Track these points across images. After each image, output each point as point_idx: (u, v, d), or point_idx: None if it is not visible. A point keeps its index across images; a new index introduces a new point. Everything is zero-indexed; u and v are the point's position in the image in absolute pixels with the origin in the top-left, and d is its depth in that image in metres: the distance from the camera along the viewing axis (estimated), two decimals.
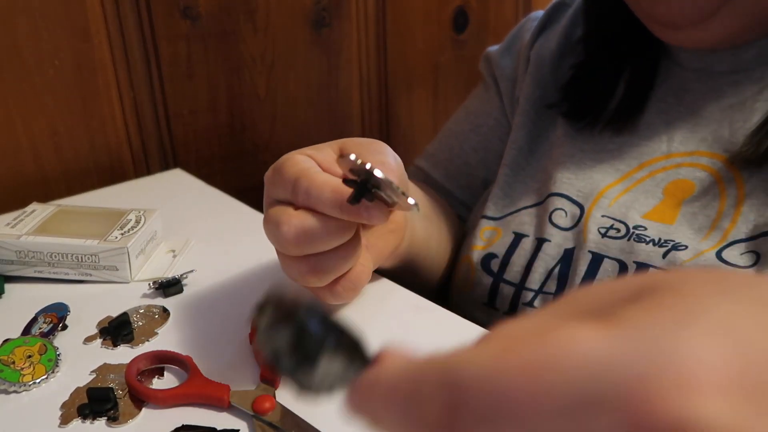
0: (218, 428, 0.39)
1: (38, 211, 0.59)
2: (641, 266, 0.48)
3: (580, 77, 0.59)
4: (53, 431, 0.40)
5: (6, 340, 0.46)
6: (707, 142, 0.50)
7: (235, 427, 0.39)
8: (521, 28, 0.70)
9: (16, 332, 0.48)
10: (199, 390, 0.41)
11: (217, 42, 0.85)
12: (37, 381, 0.43)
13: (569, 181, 0.56)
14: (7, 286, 0.54)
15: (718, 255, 0.46)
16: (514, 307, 0.54)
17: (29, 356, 0.44)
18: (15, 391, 0.43)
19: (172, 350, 0.45)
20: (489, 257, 0.57)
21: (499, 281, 0.55)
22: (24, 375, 0.43)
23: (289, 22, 0.90)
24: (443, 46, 1.06)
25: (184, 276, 0.54)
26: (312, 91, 0.96)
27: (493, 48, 0.72)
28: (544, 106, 0.61)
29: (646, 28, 0.52)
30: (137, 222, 0.57)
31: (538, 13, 0.69)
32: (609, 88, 0.56)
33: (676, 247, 0.48)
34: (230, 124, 0.90)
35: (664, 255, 0.48)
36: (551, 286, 0.53)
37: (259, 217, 0.66)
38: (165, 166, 0.86)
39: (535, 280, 0.53)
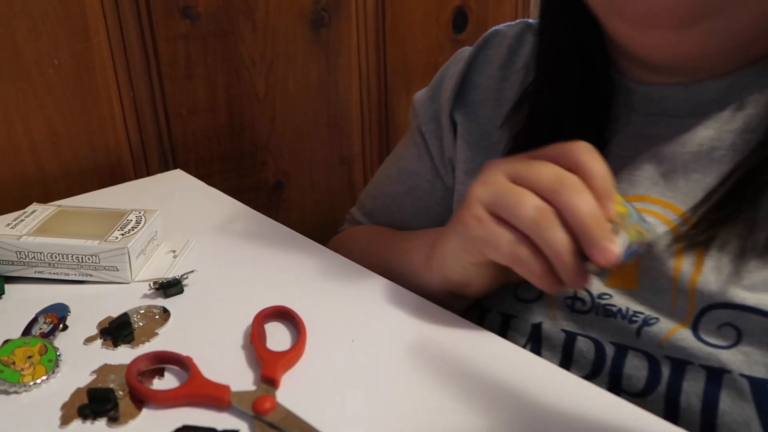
0: (218, 429, 0.39)
1: (38, 212, 0.59)
2: (620, 348, 0.45)
3: (528, 141, 0.52)
4: (54, 431, 0.40)
5: (6, 341, 0.46)
6: (662, 193, 0.46)
7: (236, 428, 0.39)
8: (444, 73, 0.64)
9: (16, 333, 0.48)
10: (199, 390, 0.41)
11: (216, 42, 0.85)
12: (38, 381, 0.43)
13: None
14: (8, 287, 0.54)
15: (695, 331, 0.42)
16: None
17: (29, 357, 0.44)
18: (15, 392, 0.43)
19: (172, 351, 0.45)
20: None
21: None
22: (24, 375, 0.43)
23: (288, 22, 0.90)
24: (442, 46, 1.07)
25: (185, 276, 0.54)
26: (311, 90, 0.96)
27: (419, 94, 0.66)
28: None
29: (599, 77, 0.49)
30: (137, 222, 0.57)
31: (465, 51, 0.63)
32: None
33: (647, 321, 0.44)
34: (229, 124, 0.90)
35: (638, 333, 0.44)
36: None
37: (258, 217, 0.67)
38: (165, 167, 0.86)
39: None
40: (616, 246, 0.39)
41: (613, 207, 0.40)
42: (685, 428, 0.38)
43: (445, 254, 0.48)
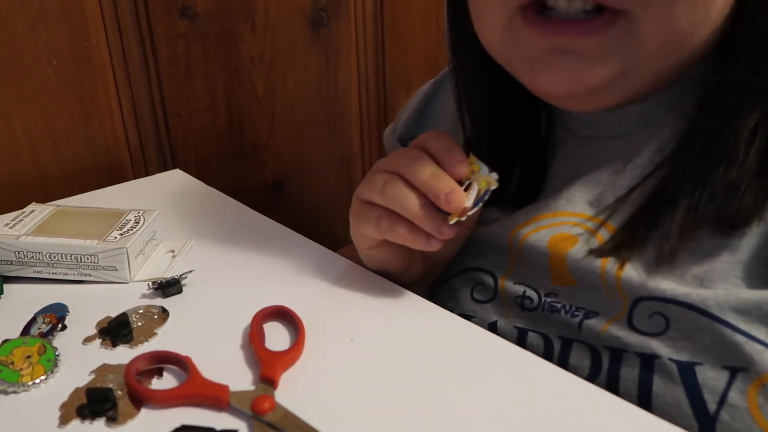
0: (217, 428, 0.39)
1: (37, 212, 0.59)
2: (565, 341, 0.48)
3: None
4: (52, 431, 0.40)
5: (5, 341, 0.46)
6: (593, 206, 0.50)
7: (234, 428, 0.39)
8: (405, 107, 0.70)
9: (15, 333, 0.48)
10: (198, 390, 0.41)
11: (216, 42, 0.85)
12: (36, 381, 0.43)
13: (482, 254, 0.55)
14: (6, 287, 0.54)
15: (629, 322, 0.45)
16: None
17: (28, 357, 0.44)
18: (14, 392, 0.42)
19: (171, 351, 0.45)
20: None
21: None
22: (23, 375, 0.43)
23: (287, 22, 0.90)
24: (441, 46, 1.07)
25: (184, 276, 0.54)
26: (310, 90, 0.96)
27: (387, 128, 0.72)
28: None
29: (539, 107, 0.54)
30: (136, 222, 0.57)
31: (426, 86, 0.69)
32: (506, 176, 0.54)
33: (587, 315, 0.47)
34: (229, 124, 0.90)
35: (579, 326, 0.48)
36: None
37: (257, 217, 0.67)
38: (164, 167, 0.86)
39: None
40: (462, 194, 0.47)
41: (461, 167, 0.48)
42: None
43: (357, 249, 0.55)
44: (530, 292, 0.51)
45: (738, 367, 0.40)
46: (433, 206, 0.48)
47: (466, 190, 0.48)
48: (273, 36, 0.89)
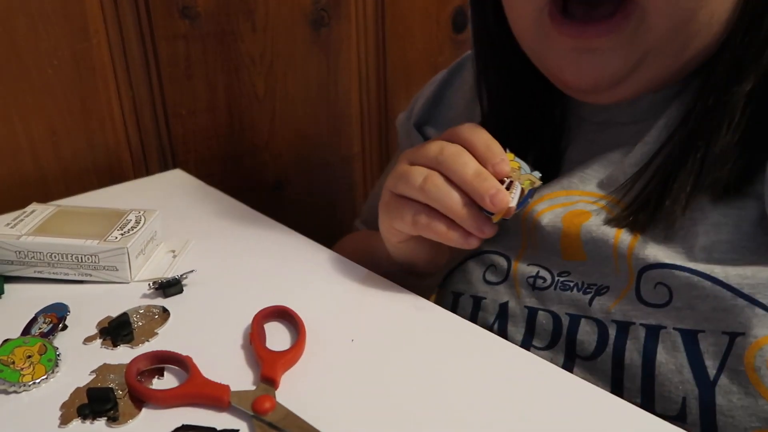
0: (218, 428, 0.39)
1: (38, 212, 0.59)
2: (573, 317, 0.49)
3: None
4: (53, 431, 0.40)
5: (6, 340, 0.46)
6: (605, 186, 0.52)
7: (235, 428, 0.39)
8: (419, 94, 0.70)
9: (15, 332, 0.48)
10: (199, 390, 0.42)
11: (216, 42, 0.85)
12: (37, 381, 0.43)
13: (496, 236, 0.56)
14: (7, 287, 0.54)
15: (637, 294, 0.47)
16: None
17: (29, 356, 0.44)
18: (15, 391, 0.43)
19: (172, 350, 0.45)
20: None
21: None
22: (24, 375, 0.43)
23: (288, 22, 0.90)
24: (442, 47, 1.07)
25: (184, 276, 0.54)
26: (311, 91, 0.96)
27: (400, 115, 0.72)
28: None
29: (554, 94, 0.55)
30: (137, 222, 0.57)
31: (440, 74, 0.69)
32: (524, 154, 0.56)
33: (599, 291, 0.49)
34: (229, 124, 0.90)
35: (590, 302, 0.49)
36: None
37: (258, 217, 0.67)
38: (164, 167, 0.86)
39: None
40: (507, 195, 0.47)
41: (504, 166, 0.48)
42: (629, 382, 0.45)
43: (384, 241, 0.56)
44: (543, 272, 0.52)
45: (737, 332, 0.42)
46: (475, 205, 0.48)
47: (507, 188, 0.48)
48: (273, 36, 0.89)
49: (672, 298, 0.45)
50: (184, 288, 0.53)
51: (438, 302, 0.59)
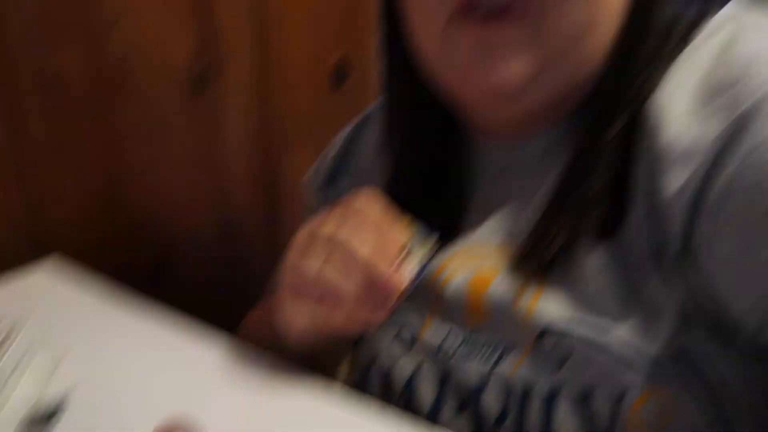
0: None
1: None
2: (475, 390, 0.51)
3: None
4: None
5: None
6: (507, 238, 0.52)
7: None
8: (326, 153, 0.70)
9: None
10: None
11: (89, 112, 0.80)
12: None
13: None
14: None
15: (535, 359, 0.48)
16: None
17: None
18: None
19: None
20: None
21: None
22: None
23: (164, 87, 0.86)
24: (324, 101, 1.06)
25: (64, 400, 0.48)
26: (194, 157, 0.92)
27: (305, 177, 0.72)
28: None
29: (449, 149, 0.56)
30: (6, 339, 0.51)
31: (346, 130, 0.70)
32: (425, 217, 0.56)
33: (502, 355, 0.50)
34: (109, 201, 0.84)
35: (494, 366, 0.50)
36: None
37: (144, 307, 0.62)
38: (36, 254, 0.79)
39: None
40: (399, 279, 0.48)
41: (398, 236, 0.49)
42: None
43: (283, 337, 0.55)
44: (450, 339, 0.53)
45: (624, 392, 0.45)
46: (372, 287, 0.48)
47: (405, 258, 0.49)
48: (148, 103, 0.85)
49: (567, 360, 0.47)
50: (68, 409, 0.48)
51: (349, 374, 0.59)
